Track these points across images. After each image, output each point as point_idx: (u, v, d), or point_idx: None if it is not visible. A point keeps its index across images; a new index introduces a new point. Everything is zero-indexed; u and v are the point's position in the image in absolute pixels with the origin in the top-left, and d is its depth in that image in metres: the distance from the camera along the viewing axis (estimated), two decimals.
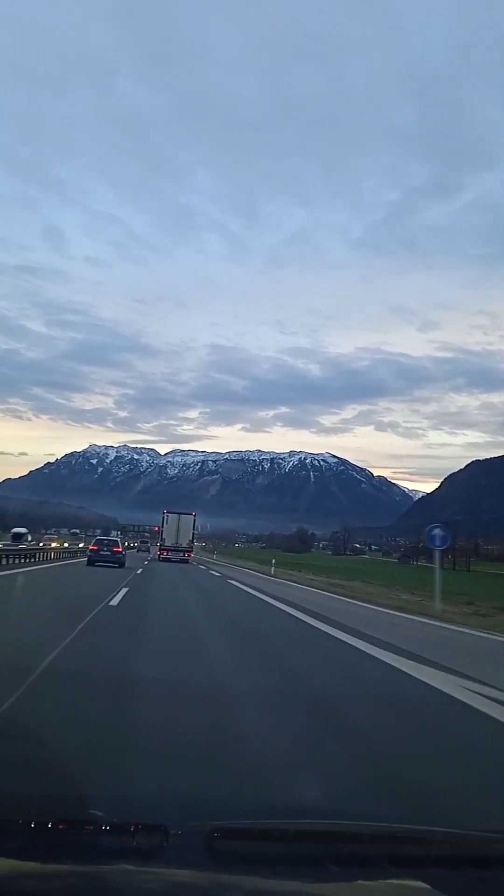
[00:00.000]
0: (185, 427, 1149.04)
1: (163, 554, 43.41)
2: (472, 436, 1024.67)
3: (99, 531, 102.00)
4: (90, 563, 29.36)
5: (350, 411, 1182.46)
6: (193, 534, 45.60)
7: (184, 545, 43.56)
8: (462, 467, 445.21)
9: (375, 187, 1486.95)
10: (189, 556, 44.19)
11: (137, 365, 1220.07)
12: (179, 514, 45.09)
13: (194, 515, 45.70)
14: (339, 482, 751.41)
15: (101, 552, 29.74)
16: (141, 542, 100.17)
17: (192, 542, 45.85)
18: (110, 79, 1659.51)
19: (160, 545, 44.25)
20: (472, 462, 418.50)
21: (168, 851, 1.59)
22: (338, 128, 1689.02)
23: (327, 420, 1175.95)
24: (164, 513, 45.08)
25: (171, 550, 43.14)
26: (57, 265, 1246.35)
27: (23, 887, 1.32)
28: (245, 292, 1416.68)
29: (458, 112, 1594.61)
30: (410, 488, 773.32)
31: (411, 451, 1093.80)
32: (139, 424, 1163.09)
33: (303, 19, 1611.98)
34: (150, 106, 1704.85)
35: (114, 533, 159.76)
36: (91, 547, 32.74)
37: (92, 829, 1.71)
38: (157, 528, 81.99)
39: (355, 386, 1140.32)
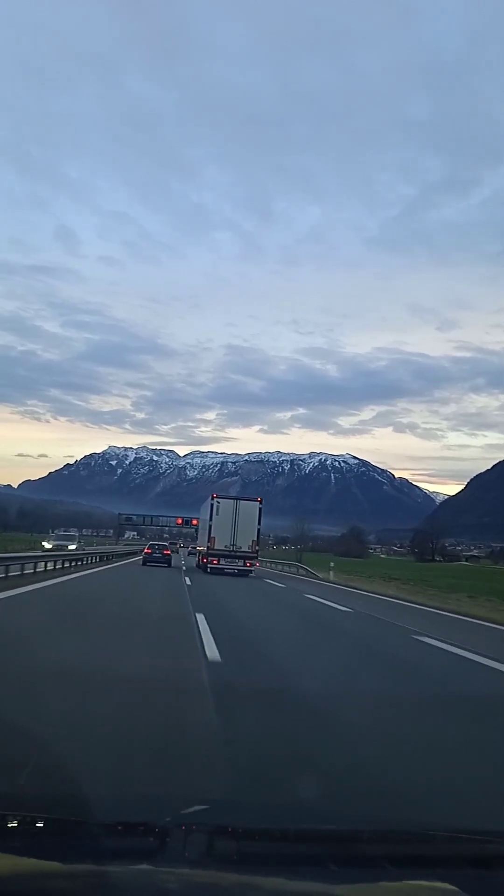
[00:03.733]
0: (203, 429, 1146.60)
1: (213, 562, 29.22)
2: (493, 437, 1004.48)
3: (111, 531, 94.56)
4: (144, 563, 34.95)
5: (368, 412, 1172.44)
6: (258, 531, 30.52)
7: (244, 549, 29.25)
8: (488, 468, 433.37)
9: (390, 183, 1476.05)
10: (251, 566, 29.85)
11: (154, 366, 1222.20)
12: (237, 499, 31.01)
13: (260, 503, 31.12)
14: (361, 484, 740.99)
15: (154, 555, 35.70)
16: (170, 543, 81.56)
17: (257, 544, 30.51)
18: (118, 75, 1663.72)
19: (207, 548, 29.92)
20: (500, 462, 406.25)
21: (168, 850, 1.59)
22: (350, 121, 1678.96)
23: (345, 421, 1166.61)
24: (212, 498, 30.24)
25: (225, 557, 29.16)
26: (70, 265, 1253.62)
27: (23, 887, 1.32)
28: (260, 292, 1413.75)
29: (474, 103, 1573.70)
30: (431, 490, 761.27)
31: (430, 453, 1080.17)
32: (157, 426, 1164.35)
33: (312, 9, 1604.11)
34: (159, 102, 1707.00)
35: (129, 534, 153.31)
36: (145, 550, 38.00)
37: (92, 829, 1.69)
38: (195, 521, 63.88)
39: (373, 386, 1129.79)
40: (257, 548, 30.73)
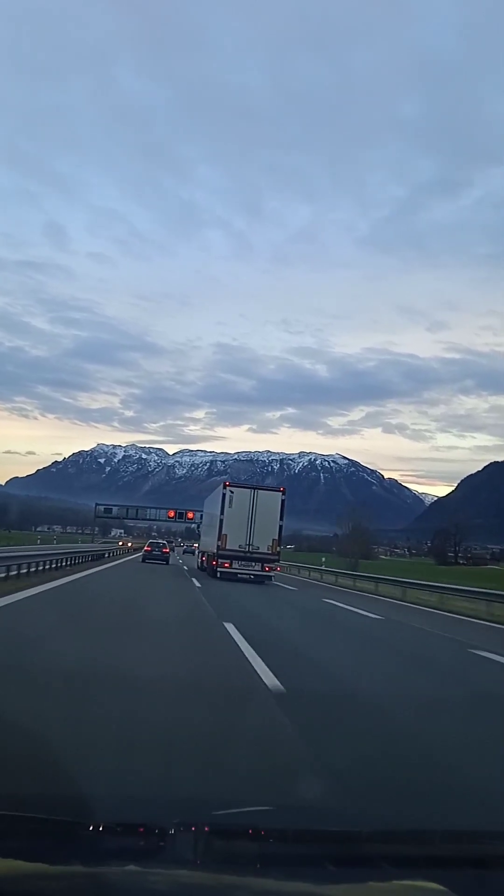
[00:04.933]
0: (192, 427, 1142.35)
1: (224, 564, 24.67)
2: (481, 438, 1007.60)
3: (97, 529, 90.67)
4: (143, 560, 36.69)
5: (357, 413, 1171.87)
6: (281, 528, 25.71)
7: (262, 549, 24.55)
8: (479, 470, 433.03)
9: (381, 183, 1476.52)
10: (270, 570, 25.21)
11: (143, 364, 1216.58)
12: (255, 488, 26.08)
13: (283, 493, 26.30)
14: (350, 484, 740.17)
15: (153, 553, 37.51)
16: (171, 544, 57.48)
17: (278, 544, 25.56)
18: (110, 69, 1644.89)
19: (217, 548, 25.02)
20: (491, 464, 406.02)
21: (168, 851, 1.60)
22: (343, 120, 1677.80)
23: (334, 421, 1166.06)
24: (224, 487, 25.55)
25: (239, 559, 24.60)
26: (60, 261, 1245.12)
27: (23, 887, 1.31)
28: (250, 291, 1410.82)
29: (467, 104, 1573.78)
30: (420, 491, 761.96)
31: (419, 454, 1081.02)
32: (145, 424, 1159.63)
33: (306, 7, 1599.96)
34: (151, 98, 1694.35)
35: (117, 532, 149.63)
36: (146, 548, 39.97)
37: (92, 829, 1.69)
38: (190, 514, 58.75)
39: (362, 387, 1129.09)
40: (279, 548, 25.77)
